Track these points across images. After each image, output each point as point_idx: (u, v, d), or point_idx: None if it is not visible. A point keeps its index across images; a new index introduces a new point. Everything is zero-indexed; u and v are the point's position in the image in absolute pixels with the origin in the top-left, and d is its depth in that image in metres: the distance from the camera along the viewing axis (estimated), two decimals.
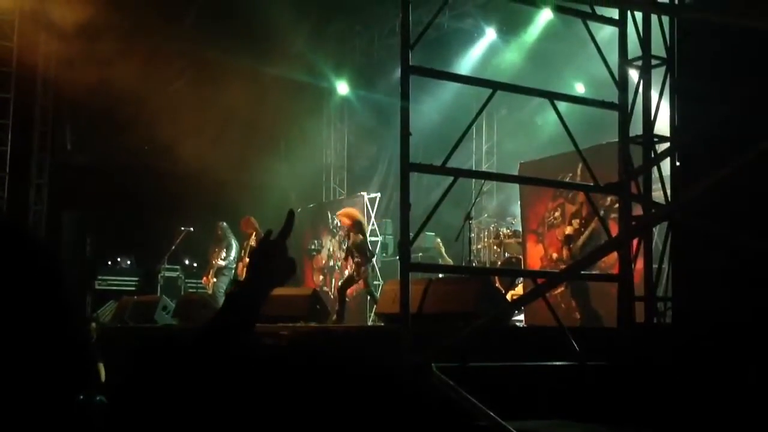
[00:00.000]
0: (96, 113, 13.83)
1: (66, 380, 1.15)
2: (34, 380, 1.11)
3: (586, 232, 7.89)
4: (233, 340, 1.53)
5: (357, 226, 10.09)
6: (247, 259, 11.14)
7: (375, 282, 11.19)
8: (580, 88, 12.21)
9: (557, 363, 4.92)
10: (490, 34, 13.73)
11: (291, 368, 5.24)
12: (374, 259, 11.83)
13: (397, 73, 5.22)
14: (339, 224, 13.24)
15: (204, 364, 1.47)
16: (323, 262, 14.57)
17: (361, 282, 10.19)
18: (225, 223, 11.81)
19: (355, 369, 5.24)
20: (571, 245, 8.45)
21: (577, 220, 8.31)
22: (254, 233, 11.17)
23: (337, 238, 13.95)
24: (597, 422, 4.21)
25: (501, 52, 13.57)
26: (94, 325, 9.51)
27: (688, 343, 4.65)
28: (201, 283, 12.37)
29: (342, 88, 16.03)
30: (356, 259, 9.94)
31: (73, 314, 1.21)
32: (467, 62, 13.89)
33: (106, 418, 1.22)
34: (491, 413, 4.09)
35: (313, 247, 14.70)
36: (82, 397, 1.15)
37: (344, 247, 10.82)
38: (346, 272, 10.66)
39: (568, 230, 8.64)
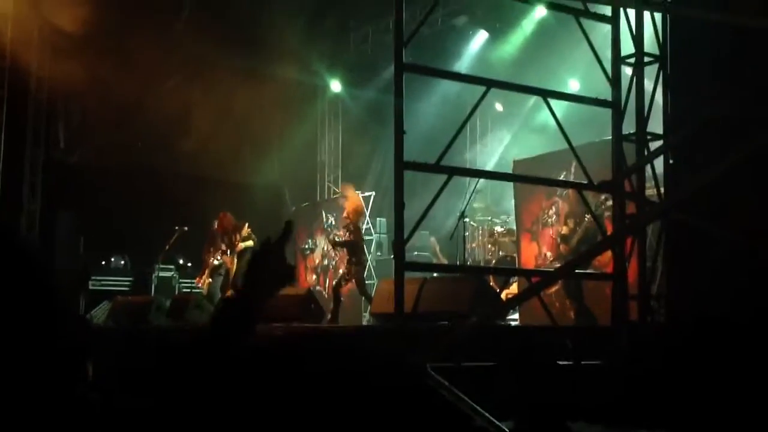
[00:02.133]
0: (89, 111, 13.79)
1: (57, 377, 1.14)
2: (25, 379, 1.11)
3: (580, 231, 7.89)
4: (232, 345, 1.52)
5: (354, 225, 10.09)
6: (234, 258, 11.14)
7: (369, 281, 11.18)
8: (575, 85, 12.20)
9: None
10: (484, 31, 13.73)
11: (285, 369, 5.23)
12: (368, 259, 11.82)
13: (392, 70, 5.20)
14: (335, 219, 13.16)
15: (202, 369, 1.47)
16: (317, 261, 14.55)
17: (353, 282, 10.18)
18: (217, 222, 11.77)
19: (350, 369, 5.23)
20: (567, 244, 8.45)
21: (572, 220, 8.30)
22: (233, 229, 11.20)
23: (331, 236, 13.93)
24: (590, 421, 4.21)
25: (496, 49, 13.55)
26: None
27: (681, 342, 4.66)
28: (195, 283, 12.34)
29: (335, 86, 16.00)
30: (348, 257, 9.96)
31: (63, 313, 1.20)
32: (463, 60, 13.87)
33: (99, 414, 1.22)
34: (486, 413, 4.08)
35: (306, 246, 14.68)
36: (75, 393, 1.15)
37: (338, 240, 10.77)
38: (341, 271, 10.64)
39: (564, 230, 8.64)
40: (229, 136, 15.13)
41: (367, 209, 13.73)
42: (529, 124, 13.62)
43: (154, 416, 1.35)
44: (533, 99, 12.45)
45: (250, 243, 11.18)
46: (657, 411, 4.21)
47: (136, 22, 13.29)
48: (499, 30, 13.46)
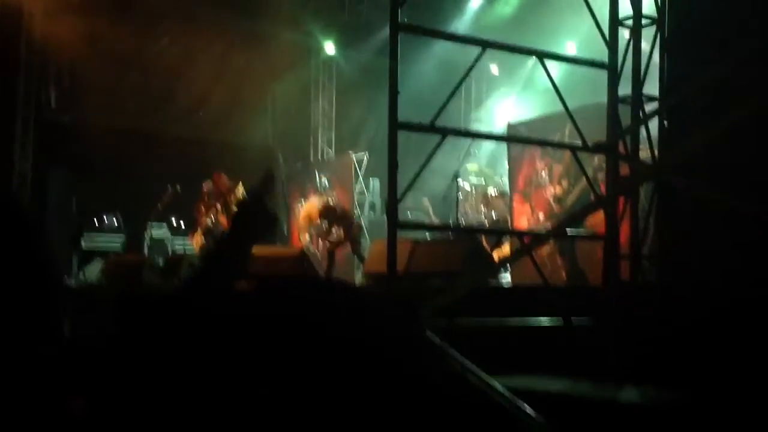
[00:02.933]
0: (80, 72, 13.66)
1: (30, 331, 1.13)
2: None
3: (575, 192, 7.92)
4: (216, 293, 1.53)
5: (329, 218, 10.25)
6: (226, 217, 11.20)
7: (362, 240, 11.24)
8: (572, 47, 12.13)
9: (543, 319, 4.97)
10: None
11: (276, 327, 5.27)
12: (361, 219, 11.86)
13: (386, 32, 5.16)
14: (328, 180, 13.35)
15: (187, 318, 1.48)
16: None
17: (348, 244, 10.29)
18: (212, 182, 11.76)
19: (341, 328, 5.27)
20: (561, 205, 8.49)
21: (566, 181, 8.32)
22: (228, 190, 11.21)
23: (324, 197, 13.94)
24: (580, 377, 4.27)
25: (492, 11, 13.46)
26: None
27: (671, 301, 4.71)
28: (188, 242, 12.36)
29: (329, 47, 15.89)
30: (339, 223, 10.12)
31: (43, 265, 1.20)
32: (459, 22, 13.77)
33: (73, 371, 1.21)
34: (477, 369, 4.13)
35: (300, 206, 14.70)
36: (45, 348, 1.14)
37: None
38: (334, 231, 10.72)
39: (558, 191, 8.66)
40: (222, 97, 15.05)
41: (360, 170, 13.76)
42: (534, 86, 13.57)
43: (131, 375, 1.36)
44: (533, 61, 12.39)
45: None
46: (645, 368, 4.28)
47: None
48: None
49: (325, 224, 10.56)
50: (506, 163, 10.71)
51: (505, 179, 11.41)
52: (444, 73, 12.39)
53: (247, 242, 1.64)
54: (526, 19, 12.53)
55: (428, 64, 13.33)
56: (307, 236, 14.52)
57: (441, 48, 12.94)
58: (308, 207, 11.26)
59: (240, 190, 11.24)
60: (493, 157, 13.39)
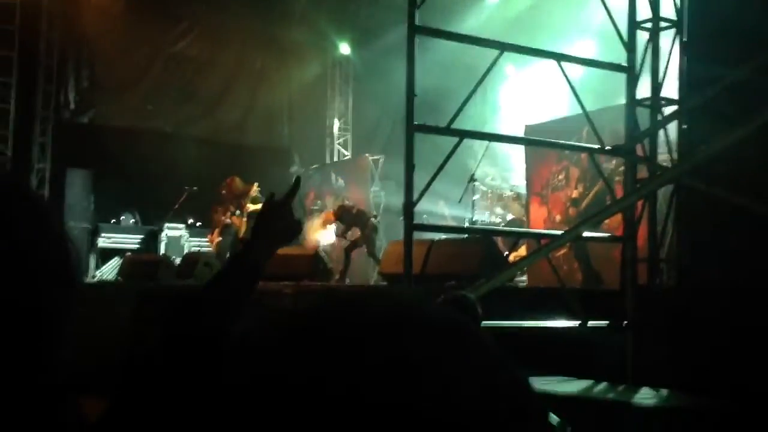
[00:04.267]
0: (99, 73, 13.80)
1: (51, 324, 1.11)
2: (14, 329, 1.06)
3: (590, 194, 7.88)
4: (237, 298, 1.54)
5: (345, 219, 10.29)
6: (243, 219, 11.25)
7: (378, 242, 11.25)
8: (591, 46, 12.03)
9: (559, 323, 4.96)
10: None
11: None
12: (378, 220, 11.87)
13: (402, 32, 5.16)
14: (345, 181, 13.43)
15: (208, 322, 1.48)
16: None
17: (364, 246, 10.33)
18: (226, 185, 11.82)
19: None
20: (577, 208, 8.46)
21: (582, 184, 8.28)
22: (241, 193, 11.26)
23: (340, 198, 13.96)
24: (597, 379, 4.26)
25: (508, 12, 13.39)
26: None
27: (689, 305, 4.69)
28: (205, 241, 12.42)
29: (344, 48, 15.90)
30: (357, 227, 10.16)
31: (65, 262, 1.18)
32: (475, 20, 13.69)
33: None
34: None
35: (316, 207, 14.73)
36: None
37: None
38: (349, 233, 10.76)
39: (575, 194, 8.63)
40: (239, 98, 15.13)
41: (376, 172, 13.77)
42: (552, 84, 13.44)
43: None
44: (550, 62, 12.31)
45: (260, 205, 11.25)
46: (662, 370, 4.26)
47: None
48: None
49: (340, 226, 10.62)
50: (523, 165, 10.68)
51: (521, 182, 11.38)
52: (453, 71, 12.32)
53: (270, 246, 1.65)
54: (540, 16, 12.43)
55: (437, 63, 13.25)
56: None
57: (448, 47, 12.84)
58: (325, 214, 11.36)
59: (254, 191, 11.29)
60: (509, 158, 13.33)
